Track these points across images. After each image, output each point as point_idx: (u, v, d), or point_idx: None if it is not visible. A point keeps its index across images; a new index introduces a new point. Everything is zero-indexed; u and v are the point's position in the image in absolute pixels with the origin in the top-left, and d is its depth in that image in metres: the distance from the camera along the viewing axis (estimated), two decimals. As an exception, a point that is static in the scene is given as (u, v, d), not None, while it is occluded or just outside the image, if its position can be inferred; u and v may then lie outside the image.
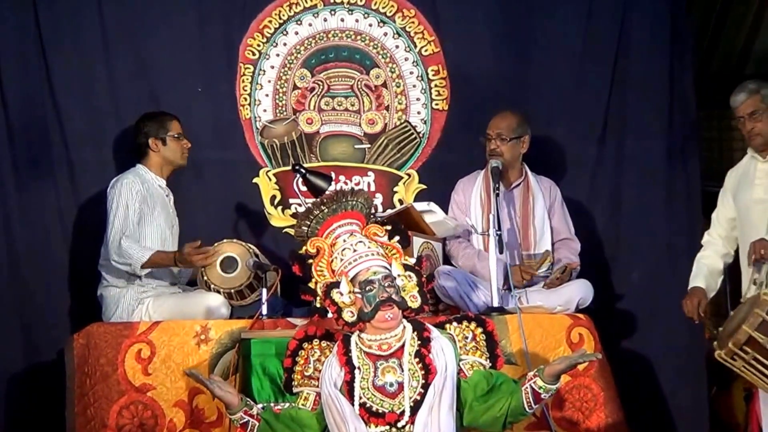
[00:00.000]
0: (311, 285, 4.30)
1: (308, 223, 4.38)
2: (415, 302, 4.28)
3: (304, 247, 4.36)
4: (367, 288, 4.21)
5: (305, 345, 4.38)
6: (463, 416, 4.30)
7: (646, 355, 6.42)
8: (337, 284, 4.25)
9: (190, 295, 5.68)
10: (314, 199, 5.43)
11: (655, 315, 6.42)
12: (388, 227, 4.40)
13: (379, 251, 4.32)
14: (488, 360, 4.33)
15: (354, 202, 4.41)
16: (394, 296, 4.22)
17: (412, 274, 4.31)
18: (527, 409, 4.22)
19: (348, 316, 4.25)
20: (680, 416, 6.38)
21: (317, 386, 4.32)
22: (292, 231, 6.42)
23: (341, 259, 4.28)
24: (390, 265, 4.30)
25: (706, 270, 5.63)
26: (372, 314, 4.21)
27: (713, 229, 5.73)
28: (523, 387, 4.22)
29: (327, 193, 4.50)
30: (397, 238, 4.40)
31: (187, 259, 5.50)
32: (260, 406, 4.39)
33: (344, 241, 4.32)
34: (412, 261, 4.37)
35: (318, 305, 4.29)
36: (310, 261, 4.31)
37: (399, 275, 4.29)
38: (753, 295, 5.02)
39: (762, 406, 5.27)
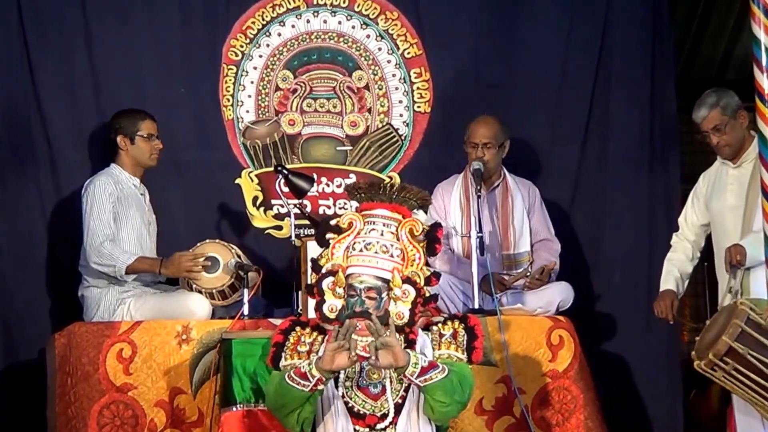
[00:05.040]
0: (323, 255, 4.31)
1: (362, 191, 4.35)
2: (400, 320, 4.23)
3: (337, 220, 4.33)
4: (350, 293, 4.23)
5: (298, 328, 4.35)
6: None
7: (625, 358, 6.45)
8: (333, 273, 4.26)
9: (172, 295, 5.67)
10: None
11: (634, 317, 6.45)
12: (427, 229, 4.32)
13: (392, 255, 4.26)
14: (464, 353, 4.28)
15: (409, 199, 4.33)
16: (372, 310, 4.18)
17: (410, 291, 4.25)
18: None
19: (328, 310, 4.26)
20: (657, 418, 6.41)
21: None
22: (273, 232, 6.46)
23: (353, 249, 4.27)
24: (393, 272, 4.25)
25: (677, 272, 5.65)
26: (345, 319, 4.20)
27: (682, 231, 5.74)
28: None
29: (399, 184, 4.43)
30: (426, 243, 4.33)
31: (176, 263, 5.50)
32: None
33: (369, 233, 4.28)
34: (428, 272, 4.30)
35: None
36: (332, 237, 4.30)
37: (397, 286, 4.23)
38: (728, 304, 5.04)
39: (737, 414, 5.29)
